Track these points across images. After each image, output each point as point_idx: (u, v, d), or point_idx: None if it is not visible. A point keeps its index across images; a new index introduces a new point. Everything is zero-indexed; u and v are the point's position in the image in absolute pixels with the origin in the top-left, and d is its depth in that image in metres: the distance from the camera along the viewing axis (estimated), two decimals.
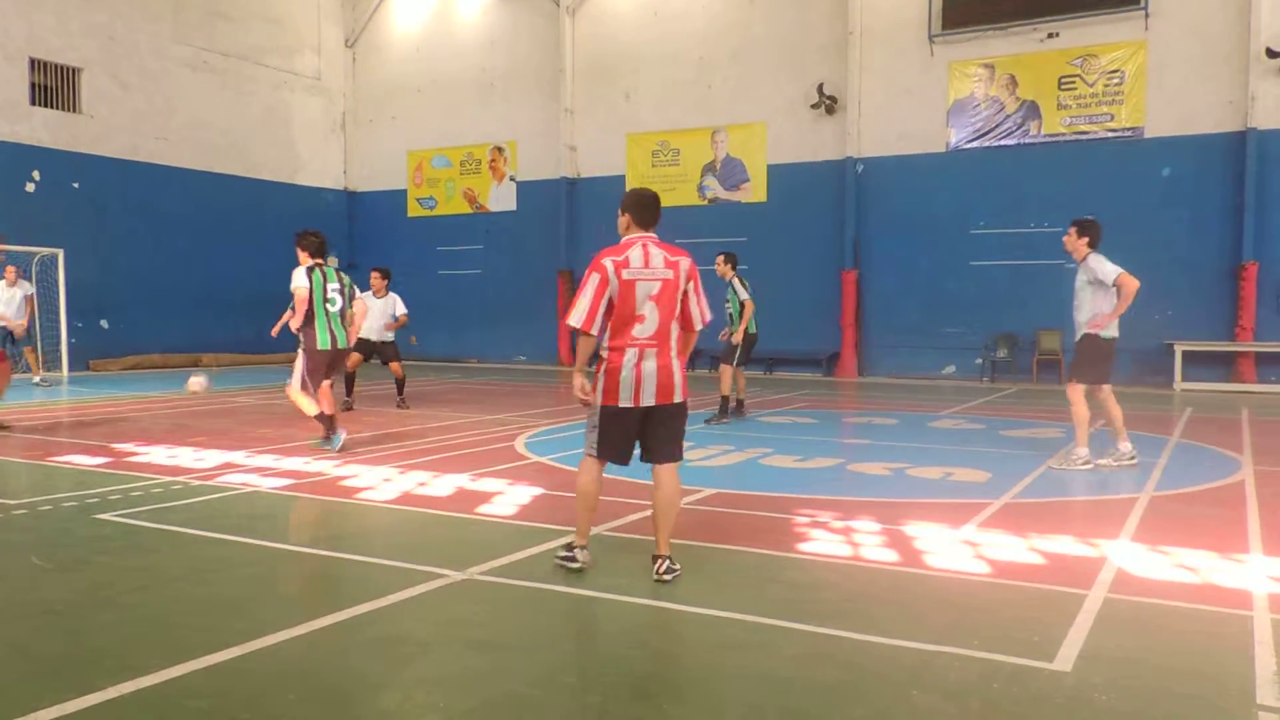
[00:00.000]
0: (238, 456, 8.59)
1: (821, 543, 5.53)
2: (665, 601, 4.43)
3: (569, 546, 5.02)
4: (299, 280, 8.89)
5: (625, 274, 4.81)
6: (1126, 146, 17.66)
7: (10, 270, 15.84)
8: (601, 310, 4.78)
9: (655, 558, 4.83)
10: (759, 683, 3.52)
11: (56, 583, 4.80)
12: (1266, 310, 16.67)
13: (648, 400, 4.81)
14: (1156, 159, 17.43)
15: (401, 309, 13.51)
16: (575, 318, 4.77)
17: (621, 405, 4.81)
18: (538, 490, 7.09)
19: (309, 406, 8.97)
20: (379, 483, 7.35)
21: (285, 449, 9.05)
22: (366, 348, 12.97)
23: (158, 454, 8.75)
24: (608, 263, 4.82)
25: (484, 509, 6.43)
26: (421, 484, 7.31)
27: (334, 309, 8.95)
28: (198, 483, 7.34)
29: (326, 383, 9.04)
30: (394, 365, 13.17)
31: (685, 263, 4.97)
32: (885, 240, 19.62)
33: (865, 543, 5.52)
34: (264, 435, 10.05)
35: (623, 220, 5.06)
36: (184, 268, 21.66)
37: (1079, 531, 5.78)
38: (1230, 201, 16.93)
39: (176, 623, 4.22)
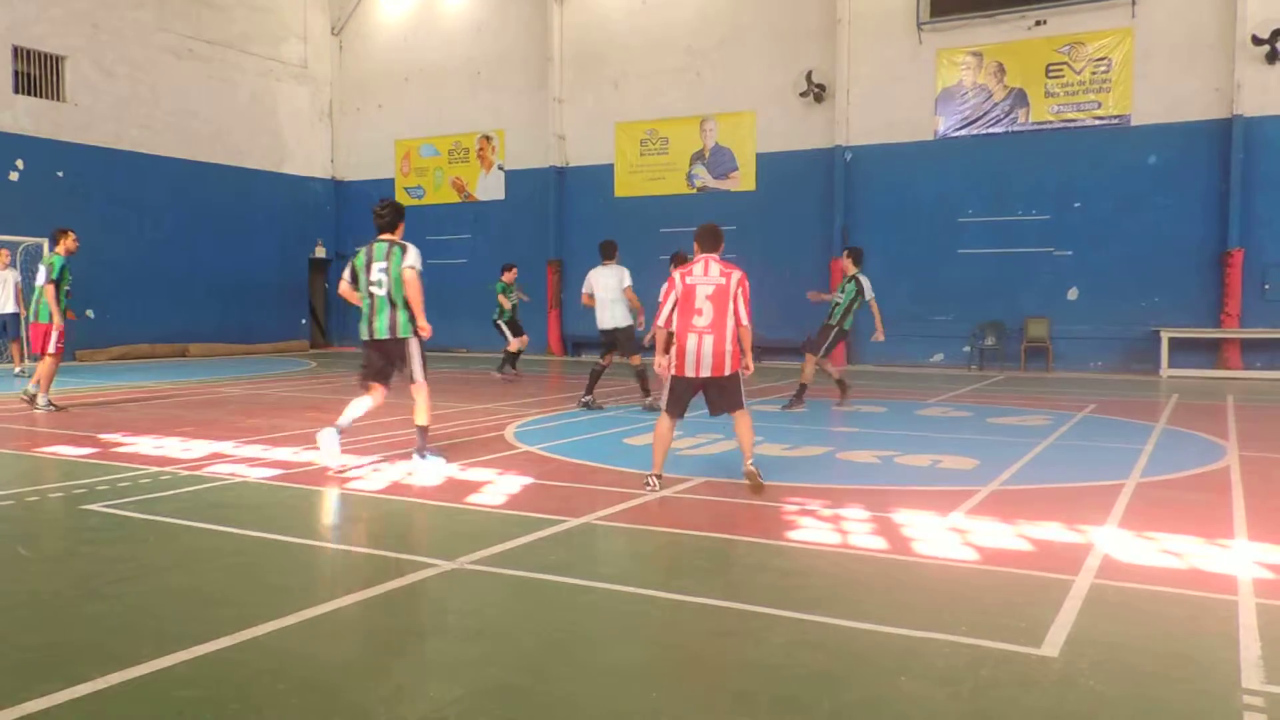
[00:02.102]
0: (225, 447, 8.56)
1: (810, 530, 5.54)
2: (653, 589, 4.44)
3: (653, 476, 6.70)
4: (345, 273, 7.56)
5: (688, 280, 6.69)
6: (1113, 134, 17.71)
7: (3, 254, 15.68)
8: (669, 309, 6.67)
9: (746, 462, 6.71)
10: (748, 670, 3.53)
11: (43, 573, 4.78)
12: (1252, 297, 16.76)
13: (705, 372, 6.63)
14: (1143, 146, 17.49)
15: (628, 279, 11.31)
16: (659, 319, 6.72)
17: (686, 375, 6.65)
18: (527, 480, 7.08)
19: (353, 405, 7.60)
20: (368, 472, 7.33)
21: (273, 439, 9.02)
22: (609, 339, 11.36)
23: (145, 444, 8.71)
24: (676, 275, 6.76)
25: (473, 498, 6.42)
26: (410, 474, 7.29)
27: (379, 293, 7.24)
28: (185, 473, 7.31)
29: (376, 385, 7.53)
30: (633, 358, 11.33)
31: (736, 275, 6.70)
32: (873, 228, 19.63)
33: (854, 530, 5.54)
34: (252, 425, 10.01)
35: (695, 246, 6.92)
36: (169, 257, 21.55)
37: (1066, 518, 5.81)
38: (1216, 188, 17.00)
39: (165, 613, 4.21)
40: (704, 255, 6.79)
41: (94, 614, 4.16)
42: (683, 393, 6.71)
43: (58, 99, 19.75)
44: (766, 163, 20.66)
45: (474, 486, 6.80)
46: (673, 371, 6.68)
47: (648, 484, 6.65)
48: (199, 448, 8.50)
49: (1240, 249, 16.70)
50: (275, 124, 24.44)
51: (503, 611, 4.21)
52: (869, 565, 4.89)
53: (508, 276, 16.29)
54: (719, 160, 21.18)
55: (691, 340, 6.59)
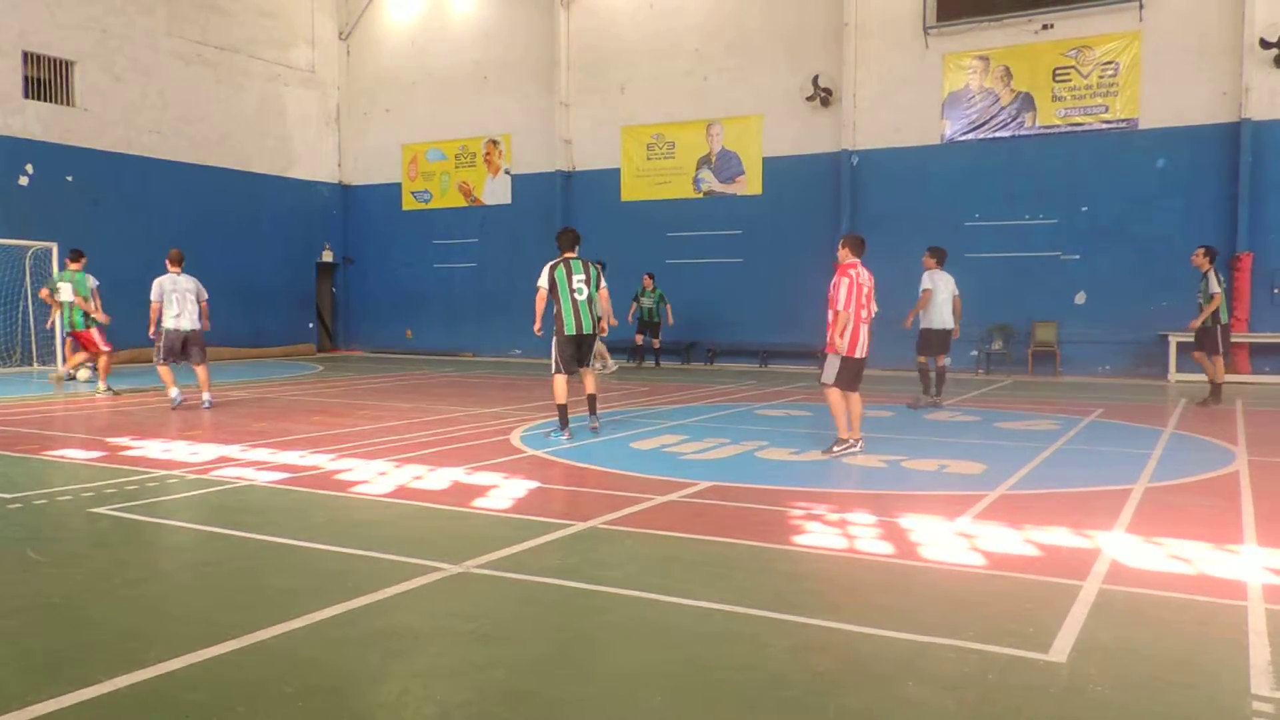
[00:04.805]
0: (233, 450, 8.58)
1: (816, 535, 5.54)
2: (659, 594, 4.44)
3: (840, 441, 8.47)
4: (540, 280, 9.57)
5: (861, 280, 8.42)
6: (1121, 138, 17.67)
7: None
8: (854, 299, 8.32)
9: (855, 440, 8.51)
10: (753, 674, 3.52)
11: (52, 576, 4.79)
12: (1261, 301, 16.70)
13: (867, 353, 8.60)
14: (1151, 150, 17.44)
15: (955, 287, 12.37)
16: (841, 304, 8.29)
17: (857, 356, 8.48)
18: (533, 484, 7.09)
19: (559, 391, 9.65)
20: (374, 476, 7.35)
21: (280, 443, 9.04)
22: (941, 340, 12.18)
23: (153, 448, 8.74)
24: (853, 272, 8.40)
25: (480, 502, 6.43)
26: (417, 477, 7.31)
27: (580, 298, 9.53)
28: (193, 476, 7.34)
29: (562, 376, 9.60)
30: (941, 358, 12.35)
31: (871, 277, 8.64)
32: (880, 232, 19.56)
33: (860, 535, 5.53)
34: (259, 429, 10.03)
35: (844, 251, 8.55)
36: None
37: (1074, 523, 5.80)
38: (1224, 193, 16.95)
39: (173, 616, 4.22)
40: (856, 260, 8.48)
41: (102, 617, 4.18)
42: (856, 370, 8.50)
43: (67, 104, 19.83)
44: (773, 167, 20.66)
45: (480, 490, 6.81)
46: (845, 354, 8.34)
47: (844, 447, 8.36)
48: (206, 451, 8.52)
49: (1249, 253, 16.64)
50: (283, 128, 24.51)
51: (509, 615, 4.21)
52: (875, 570, 4.88)
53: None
54: (725, 164, 21.18)
55: (863, 329, 8.45)
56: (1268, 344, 16.65)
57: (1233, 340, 13.54)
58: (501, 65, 23.62)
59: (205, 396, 11.98)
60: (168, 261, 12.16)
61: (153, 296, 11.87)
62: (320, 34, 25.25)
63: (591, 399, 9.90)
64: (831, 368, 8.45)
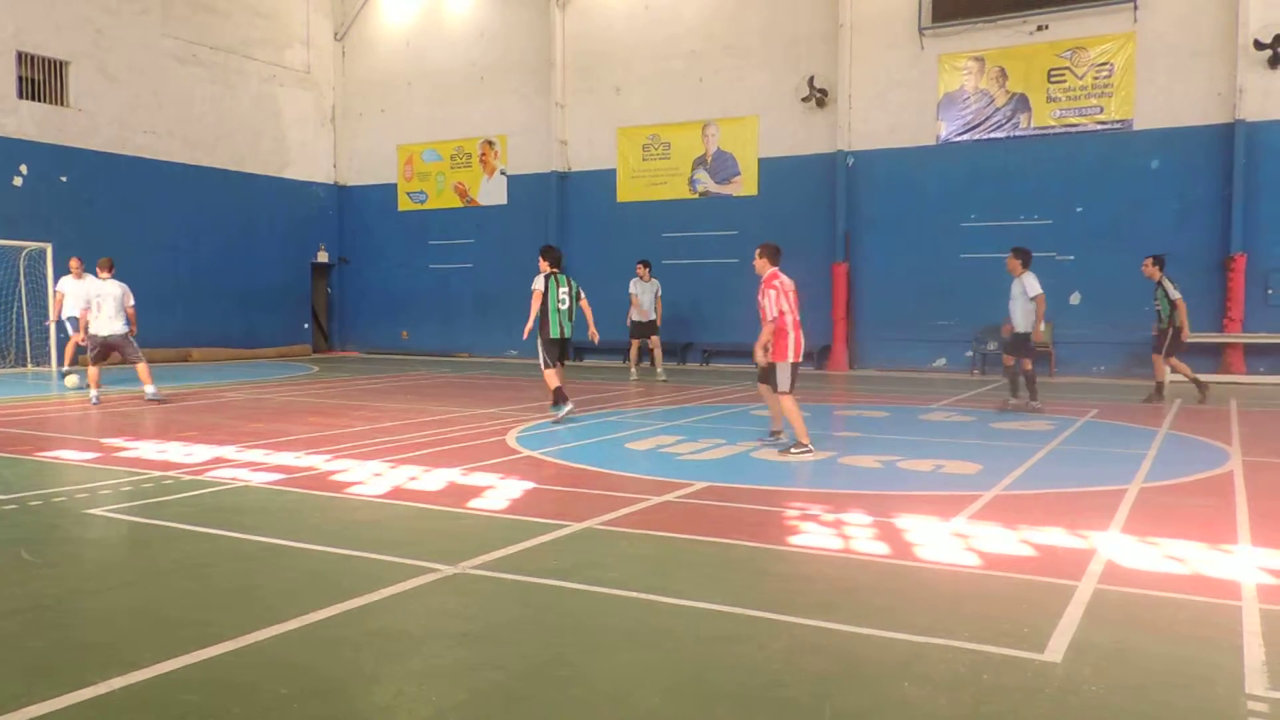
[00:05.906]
0: (228, 451, 8.56)
1: (812, 535, 5.54)
2: (655, 594, 4.44)
3: (799, 445, 8.39)
4: (537, 284, 10.96)
5: (786, 286, 8.63)
6: (1115, 139, 17.70)
7: (75, 263, 15.63)
8: (790, 305, 8.58)
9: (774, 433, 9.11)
10: (750, 674, 3.52)
11: (47, 578, 4.78)
12: (1255, 301, 16.73)
13: (800, 357, 8.76)
14: (1145, 151, 17.48)
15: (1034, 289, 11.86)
16: (774, 313, 8.52)
17: (801, 360, 8.75)
18: (529, 485, 7.08)
19: (551, 380, 11.04)
20: (369, 477, 7.34)
21: (276, 444, 9.02)
22: (1025, 343, 11.92)
23: (148, 449, 8.72)
24: (777, 282, 8.62)
25: (475, 503, 6.42)
26: (413, 478, 7.30)
27: (564, 307, 10.95)
28: (188, 477, 7.32)
29: (554, 368, 11.01)
30: (1008, 358, 12.28)
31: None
32: (876, 233, 19.64)
33: (856, 535, 5.53)
34: (254, 430, 10.02)
35: (762, 262, 8.82)
36: (173, 262, 21.57)
37: (1069, 523, 5.81)
38: (1219, 193, 16.98)
39: (168, 617, 4.21)
40: (776, 267, 8.77)
41: (97, 618, 4.17)
42: (795, 373, 8.72)
43: (62, 104, 19.78)
44: (769, 167, 20.66)
45: (476, 491, 6.80)
46: (791, 359, 8.57)
47: (804, 450, 8.34)
48: (201, 452, 8.50)
49: (1243, 253, 16.67)
50: (278, 129, 24.48)
51: (504, 617, 4.21)
52: (871, 570, 4.89)
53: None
54: (721, 165, 21.19)
55: (800, 332, 8.66)
56: (1261, 344, 16.69)
57: (1189, 344, 13.43)
58: (497, 66, 23.60)
59: (148, 389, 12.53)
60: (97, 268, 12.85)
61: (80, 304, 12.76)
62: (315, 34, 25.23)
63: (558, 391, 11.00)
64: (785, 375, 8.63)
